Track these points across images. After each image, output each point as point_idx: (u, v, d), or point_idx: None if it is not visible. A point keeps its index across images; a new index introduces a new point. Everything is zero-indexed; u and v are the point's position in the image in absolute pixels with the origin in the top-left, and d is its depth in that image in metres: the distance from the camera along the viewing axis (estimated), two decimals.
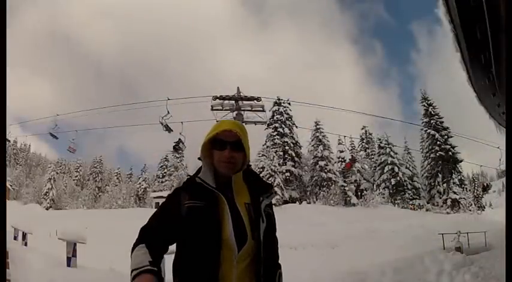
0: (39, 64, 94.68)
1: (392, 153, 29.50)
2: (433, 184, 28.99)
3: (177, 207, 1.19)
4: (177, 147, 15.05)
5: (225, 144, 1.21)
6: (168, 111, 13.45)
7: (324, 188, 27.94)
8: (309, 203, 26.75)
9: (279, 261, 1.28)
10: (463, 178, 29.23)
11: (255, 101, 11.06)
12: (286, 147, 30.01)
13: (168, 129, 13.87)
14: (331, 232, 15.30)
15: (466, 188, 28.97)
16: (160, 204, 1.30)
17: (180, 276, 1.16)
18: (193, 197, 1.19)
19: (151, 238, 1.13)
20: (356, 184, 27.71)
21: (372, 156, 32.54)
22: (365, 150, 33.93)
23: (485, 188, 26.96)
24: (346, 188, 26.66)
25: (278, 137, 30.16)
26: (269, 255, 1.20)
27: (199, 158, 1.28)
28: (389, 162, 29.25)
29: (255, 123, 11.03)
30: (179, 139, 14.51)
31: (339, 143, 28.33)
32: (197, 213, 1.16)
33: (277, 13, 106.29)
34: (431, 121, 29.30)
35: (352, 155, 27.39)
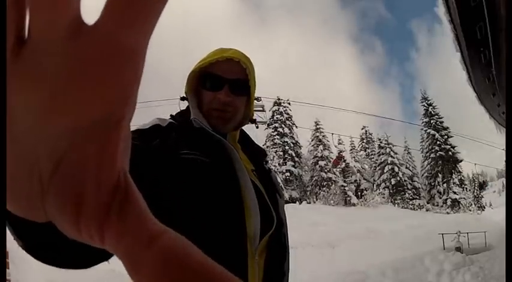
0: None
1: (392, 153, 29.50)
2: (433, 184, 29.00)
3: (163, 153, 0.68)
4: None
5: (222, 83, 0.77)
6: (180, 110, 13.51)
7: (324, 188, 27.92)
8: (309, 203, 26.73)
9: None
10: (463, 178, 29.25)
11: (255, 101, 11.12)
12: (286, 147, 29.99)
13: None
14: (331, 232, 15.28)
15: (466, 188, 28.98)
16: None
17: None
18: (195, 147, 0.72)
19: None
20: (356, 184, 27.73)
21: (372, 156, 32.53)
22: (365, 150, 33.91)
23: (482, 186, 27.17)
24: (346, 188, 26.65)
25: (278, 137, 30.15)
26: (287, 245, 0.82)
27: (182, 98, 0.86)
28: (389, 162, 29.25)
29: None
30: None
31: (339, 143, 28.45)
32: (205, 173, 0.69)
33: (276, 11, 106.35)
34: (431, 121, 29.33)
35: (339, 152, 27.66)
